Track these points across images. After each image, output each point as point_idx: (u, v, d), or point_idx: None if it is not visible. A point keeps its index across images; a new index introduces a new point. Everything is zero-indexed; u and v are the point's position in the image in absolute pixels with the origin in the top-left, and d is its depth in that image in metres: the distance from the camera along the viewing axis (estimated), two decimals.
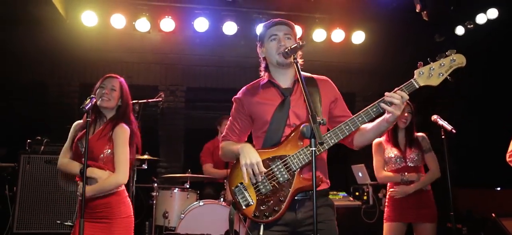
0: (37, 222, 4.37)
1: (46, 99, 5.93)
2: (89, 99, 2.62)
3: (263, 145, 2.26)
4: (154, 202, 4.74)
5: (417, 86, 2.08)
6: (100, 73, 5.96)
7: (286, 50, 2.14)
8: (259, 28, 5.89)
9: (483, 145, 3.91)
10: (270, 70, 2.38)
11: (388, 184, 3.84)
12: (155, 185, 4.76)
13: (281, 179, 2.13)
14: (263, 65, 2.42)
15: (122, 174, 2.79)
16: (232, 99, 2.44)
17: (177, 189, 4.80)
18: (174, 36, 6.17)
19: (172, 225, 4.64)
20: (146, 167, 5.03)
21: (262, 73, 2.44)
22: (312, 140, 1.80)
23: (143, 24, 5.72)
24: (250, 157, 2.11)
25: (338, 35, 6.26)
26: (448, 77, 2.07)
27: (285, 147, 2.17)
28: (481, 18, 6.01)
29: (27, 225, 4.36)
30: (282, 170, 2.14)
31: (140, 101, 4.33)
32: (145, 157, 4.94)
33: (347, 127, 2.11)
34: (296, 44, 2.10)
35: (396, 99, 2.02)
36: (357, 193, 5.71)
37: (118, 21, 5.68)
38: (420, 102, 5.50)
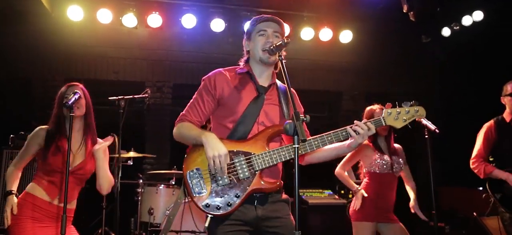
0: None
1: (30, 94, 5.85)
2: (73, 94, 2.61)
3: (229, 135, 2.21)
4: (140, 198, 4.72)
5: (384, 124, 2.26)
6: (86, 68, 6.06)
7: (272, 47, 2.14)
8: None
9: (466, 144, 3.97)
10: (250, 64, 2.36)
11: (363, 185, 3.84)
12: (141, 181, 4.74)
13: (241, 175, 2.11)
14: (245, 58, 2.40)
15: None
16: (202, 78, 2.34)
17: (162, 185, 4.79)
18: (161, 32, 6.13)
19: (157, 222, 4.63)
20: (131, 163, 5.00)
21: (241, 64, 2.40)
22: (296, 137, 1.79)
23: (130, 20, 5.67)
24: (218, 148, 2.05)
25: (325, 34, 6.27)
26: (409, 125, 2.33)
27: (252, 144, 2.16)
28: (467, 20, 6.09)
29: None
30: (244, 166, 2.12)
31: (125, 97, 4.28)
32: (131, 154, 4.92)
33: (316, 143, 2.18)
34: (280, 42, 2.10)
35: (362, 129, 2.17)
36: (342, 191, 5.75)
37: (105, 16, 5.61)
38: (415, 99, 5.59)
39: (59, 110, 2.84)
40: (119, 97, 4.30)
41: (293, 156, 2.11)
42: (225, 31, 5.98)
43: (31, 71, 5.92)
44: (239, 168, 2.11)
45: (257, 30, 2.30)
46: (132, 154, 4.90)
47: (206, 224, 2.09)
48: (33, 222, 2.70)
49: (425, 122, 3.08)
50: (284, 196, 2.30)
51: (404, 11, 4.88)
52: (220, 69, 2.34)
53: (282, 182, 2.26)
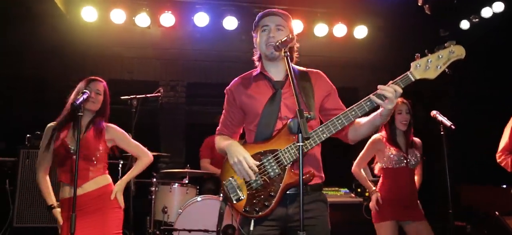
0: (36, 216, 4.39)
1: (46, 94, 5.92)
2: (81, 94, 2.65)
3: (255, 138, 2.21)
4: (153, 197, 4.72)
5: (413, 79, 1.99)
6: (100, 68, 6.09)
7: (277, 44, 2.08)
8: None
9: (487, 140, 3.84)
10: (262, 61, 2.33)
11: (378, 185, 3.76)
12: (154, 180, 4.74)
13: (272, 173, 2.08)
14: (256, 55, 2.37)
15: (146, 154, 3.19)
16: (224, 90, 2.38)
17: (176, 184, 4.78)
18: (174, 31, 6.13)
19: (171, 220, 4.62)
20: None
21: (256, 63, 2.38)
22: (300, 135, 1.75)
23: (143, 19, 5.70)
24: (237, 154, 2.07)
25: (340, 29, 6.18)
26: (446, 69, 1.99)
27: (277, 141, 2.12)
28: (486, 12, 5.90)
29: (26, 219, 4.39)
30: (273, 164, 2.09)
31: (138, 96, 4.29)
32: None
33: (339, 121, 2.05)
34: (285, 38, 2.04)
35: (389, 92, 1.93)
36: (359, 190, 5.63)
37: (118, 16, 5.65)
38: (425, 97, 5.44)
39: (71, 106, 2.92)
40: (132, 96, 4.31)
41: (318, 142, 2.07)
42: (238, 29, 5.95)
43: (47, 71, 5.99)
44: (268, 167, 2.09)
45: (261, 25, 2.26)
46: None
47: (251, 228, 2.09)
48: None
49: (440, 117, 2.99)
50: (324, 196, 2.23)
51: (419, 4, 4.74)
52: (238, 77, 2.37)
53: (316, 174, 2.16)
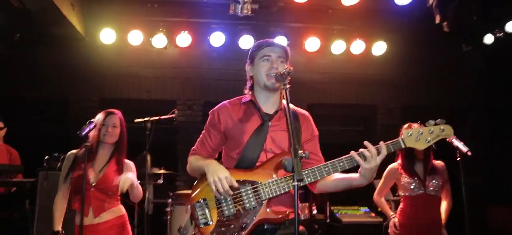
0: None
1: (67, 115, 6.06)
2: (87, 124, 2.69)
3: (235, 166, 2.15)
4: (169, 217, 4.70)
5: (403, 146, 2.05)
6: (119, 88, 6.19)
7: (278, 74, 2.05)
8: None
9: None
10: (254, 90, 2.29)
11: (398, 211, 3.69)
12: (170, 200, 4.72)
13: (247, 205, 2.03)
14: (249, 84, 2.33)
15: (138, 197, 3.15)
16: (209, 112, 2.34)
17: None
18: (190, 51, 6.19)
19: None
20: (161, 182, 5.01)
21: (246, 91, 2.34)
22: (294, 174, 1.74)
23: (160, 40, 5.78)
24: (218, 171, 2.02)
25: (358, 46, 6.08)
26: (433, 146, 2.12)
27: (258, 173, 2.08)
28: (510, 26, 5.70)
29: None
30: (250, 195, 2.03)
31: (151, 118, 4.30)
32: (161, 171, 4.94)
33: (326, 169, 2.03)
34: (285, 70, 2.00)
35: (369, 153, 1.95)
36: (379, 209, 5.47)
37: (136, 37, 5.76)
38: (449, 113, 5.25)
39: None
40: (145, 119, 4.33)
41: (301, 184, 2.00)
42: None
43: (68, 92, 6.15)
44: (245, 197, 2.03)
45: (261, 55, 2.22)
46: (162, 171, 4.91)
47: None
48: None
49: (456, 143, 2.85)
50: (301, 228, 2.14)
51: (437, 22, 4.60)
52: (225, 101, 2.34)
53: (292, 212, 2.09)
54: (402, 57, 6.27)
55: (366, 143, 1.98)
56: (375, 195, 3.82)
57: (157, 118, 4.34)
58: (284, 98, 2.27)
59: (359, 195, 5.14)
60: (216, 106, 2.33)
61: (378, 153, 1.96)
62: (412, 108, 6.30)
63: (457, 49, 6.18)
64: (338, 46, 6.05)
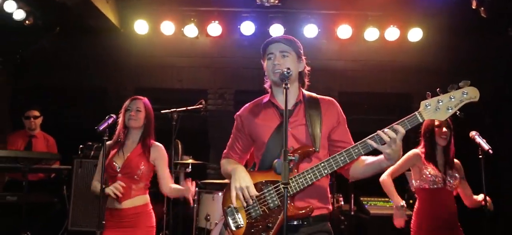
0: (88, 221, 4.69)
1: (104, 104, 6.32)
2: (106, 119, 2.78)
3: (259, 167, 2.20)
4: (196, 205, 4.83)
5: (421, 120, 1.89)
6: (153, 78, 6.37)
7: (280, 75, 2.06)
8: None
9: None
10: (272, 88, 2.30)
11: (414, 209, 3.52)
12: (197, 188, 4.84)
13: (271, 204, 2.05)
14: (268, 82, 2.34)
15: (167, 186, 3.17)
16: (234, 116, 2.38)
17: (220, 192, 4.84)
18: (221, 40, 6.24)
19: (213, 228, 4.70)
20: (190, 171, 5.14)
21: (268, 90, 2.36)
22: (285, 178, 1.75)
23: (191, 30, 5.88)
24: (241, 180, 2.06)
25: (392, 33, 5.87)
26: (458, 112, 1.86)
27: None
28: None
29: (80, 223, 4.69)
30: (273, 195, 2.06)
31: (178, 109, 4.39)
32: (190, 161, 5.06)
33: (342, 158, 1.99)
34: (286, 70, 2.01)
35: (386, 137, 1.86)
36: (410, 201, 5.31)
37: (168, 28, 5.90)
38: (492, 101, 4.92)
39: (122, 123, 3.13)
40: (172, 110, 4.42)
41: (318, 177, 2.02)
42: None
43: (106, 82, 6.42)
44: (268, 197, 2.06)
45: (267, 54, 2.24)
46: (190, 160, 5.03)
47: None
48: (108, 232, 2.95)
49: (478, 139, 2.70)
50: (328, 226, 2.15)
51: (473, 7, 4.32)
52: (249, 103, 2.37)
53: (320, 205, 2.11)
54: (439, 44, 5.98)
55: (381, 130, 1.89)
56: (384, 175, 3.52)
57: (183, 108, 4.43)
58: (302, 87, 2.28)
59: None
60: (240, 110, 2.37)
61: (396, 132, 1.86)
62: None
63: (499, 35, 5.80)
64: (371, 33, 5.88)
